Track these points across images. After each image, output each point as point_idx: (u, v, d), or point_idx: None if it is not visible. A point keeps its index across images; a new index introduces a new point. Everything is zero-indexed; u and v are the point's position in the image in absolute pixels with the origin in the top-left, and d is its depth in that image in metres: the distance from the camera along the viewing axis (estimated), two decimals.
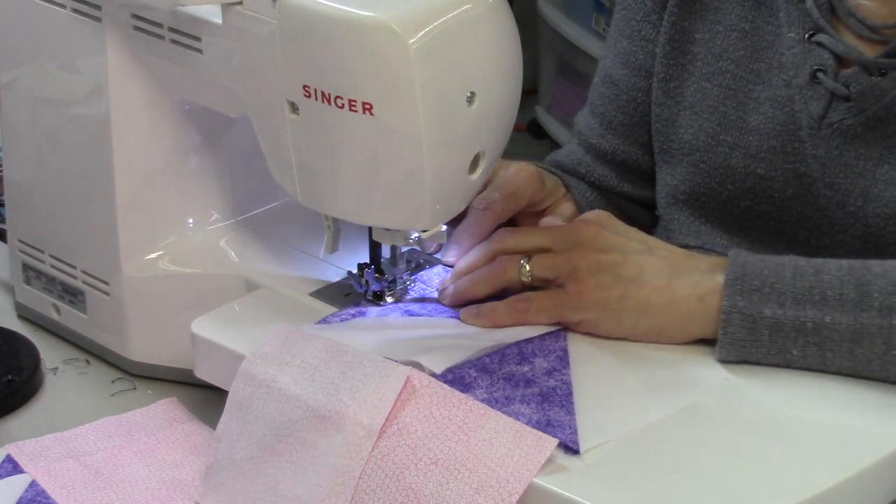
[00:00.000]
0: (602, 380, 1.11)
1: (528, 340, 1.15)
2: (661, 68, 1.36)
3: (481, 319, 1.18)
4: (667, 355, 1.15)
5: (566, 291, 1.16)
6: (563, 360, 1.13)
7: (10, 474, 1.17)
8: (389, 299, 1.23)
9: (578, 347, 1.15)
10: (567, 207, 1.36)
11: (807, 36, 1.27)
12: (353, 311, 1.21)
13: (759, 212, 1.32)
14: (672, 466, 1.03)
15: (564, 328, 1.17)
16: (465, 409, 1.05)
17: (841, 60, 1.26)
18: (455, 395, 1.06)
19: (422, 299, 1.23)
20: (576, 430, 1.04)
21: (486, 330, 1.17)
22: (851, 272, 1.12)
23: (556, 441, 1.02)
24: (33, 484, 1.16)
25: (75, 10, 1.27)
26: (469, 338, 1.15)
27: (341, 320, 1.20)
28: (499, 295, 1.19)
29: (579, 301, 1.15)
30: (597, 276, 1.15)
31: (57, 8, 1.28)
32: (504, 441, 1.03)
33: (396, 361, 1.09)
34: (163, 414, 1.26)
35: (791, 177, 1.29)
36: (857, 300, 1.11)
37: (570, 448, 1.02)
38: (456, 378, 1.09)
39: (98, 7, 1.25)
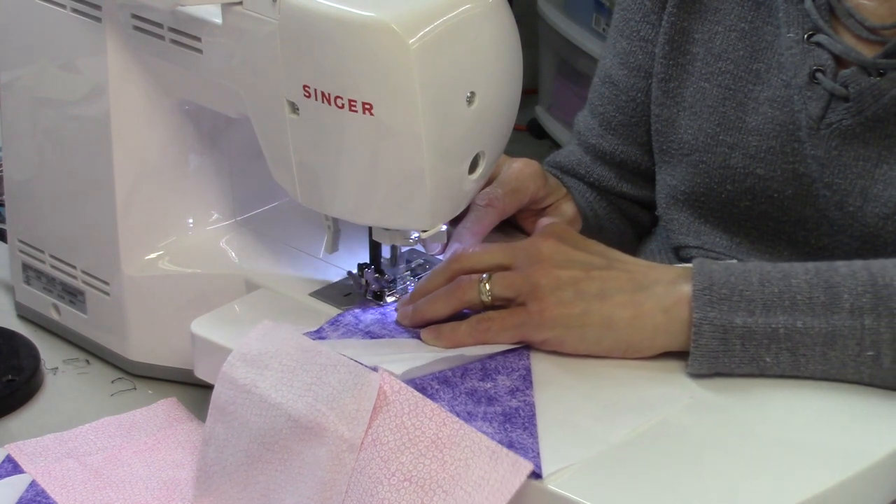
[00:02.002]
0: (565, 401, 1.09)
1: (492, 357, 1.13)
2: (660, 68, 1.36)
3: (442, 340, 1.15)
4: (632, 373, 1.12)
5: (527, 310, 1.13)
6: (527, 379, 1.11)
7: (10, 474, 1.17)
8: (389, 299, 1.23)
9: (542, 366, 1.12)
10: (568, 207, 1.36)
11: (806, 36, 1.27)
12: (313, 336, 1.17)
13: (759, 212, 1.32)
14: (668, 468, 1.03)
15: (528, 346, 1.15)
16: (438, 422, 1.03)
17: (840, 61, 1.26)
18: (427, 404, 1.04)
19: (384, 315, 1.21)
20: (538, 454, 1.02)
21: (448, 350, 1.14)
22: (819, 275, 1.11)
23: (531, 465, 1.00)
24: (33, 484, 1.16)
25: (75, 10, 1.27)
26: (431, 353, 1.13)
27: None
28: (459, 315, 1.16)
29: (541, 319, 1.12)
30: (557, 292, 1.12)
31: (57, 8, 1.28)
32: (481, 463, 1.01)
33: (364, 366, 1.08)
34: (163, 414, 1.26)
35: (790, 177, 1.29)
36: (827, 303, 1.09)
37: (532, 471, 1.01)
38: (417, 389, 1.06)
39: (98, 7, 1.25)
